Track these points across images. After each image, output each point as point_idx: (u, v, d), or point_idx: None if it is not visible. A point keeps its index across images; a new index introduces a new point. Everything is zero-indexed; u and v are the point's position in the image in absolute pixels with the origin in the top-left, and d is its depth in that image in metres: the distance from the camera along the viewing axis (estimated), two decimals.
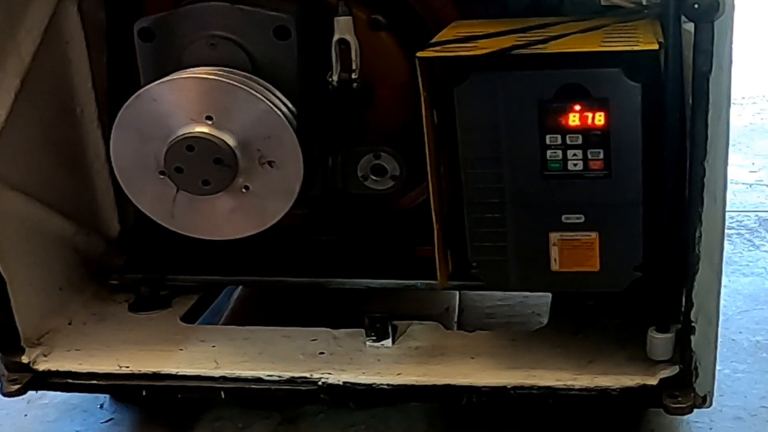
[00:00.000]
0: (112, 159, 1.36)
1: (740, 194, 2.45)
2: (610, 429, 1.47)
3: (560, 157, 1.18)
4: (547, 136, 1.18)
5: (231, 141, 1.29)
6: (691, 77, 1.12)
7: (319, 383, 1.36)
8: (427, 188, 1.26)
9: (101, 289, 1.61)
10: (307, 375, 1.37)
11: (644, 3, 1.23)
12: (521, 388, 1.31)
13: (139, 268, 1.61)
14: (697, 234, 1.18)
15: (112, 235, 1.64)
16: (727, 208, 1.20)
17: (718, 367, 1.28)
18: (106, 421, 1.59)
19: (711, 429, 1.47)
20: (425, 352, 1.41)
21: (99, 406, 1.62)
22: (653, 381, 1.28)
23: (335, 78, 1.35)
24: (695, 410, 1.28)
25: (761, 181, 2.57)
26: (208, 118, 1.28)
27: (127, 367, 1.42)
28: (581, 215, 1.21)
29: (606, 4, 1.25)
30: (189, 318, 1.57)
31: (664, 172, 1.18)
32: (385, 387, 1.35)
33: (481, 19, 1.36)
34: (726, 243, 1.27)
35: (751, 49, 3.46)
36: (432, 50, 1.20)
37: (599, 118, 1.16)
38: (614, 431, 1.47)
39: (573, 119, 1.16)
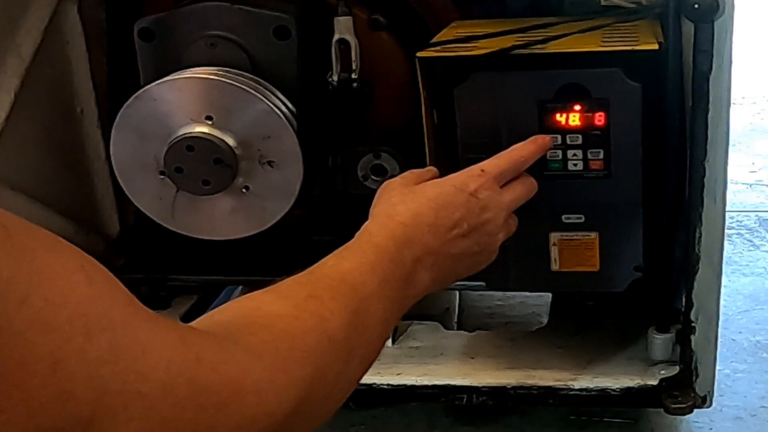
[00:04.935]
0: (112, 159, 1.36)
1: (740, 194, 2.45)
2: None
3: (560, 157, 1.18)
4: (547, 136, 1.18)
5: (231, 141, 1.29)
6: (691, 77, 1.12)
7: None
8: None
9: None
10: None
11: (644, 3, 1.23)
12: (521, 388, 1.31)
13: (139, 268, 1.61)
14: (697, 234, 1.18)
15: (112, 235, 1.64)
16: (727, 208, 1.20)
17: (718, 367, 1.28)
18: None
19: (711, 429, 1.47)
20: (425, 352, 1.41)
21: None
22: (653, 381, 1.28)
23: (335, 78, 1.35)
24: (695, 410, 1.28)
25: (761, 181, 2.57)
26: (208, 118, 1.28)
27: None
28: (581, 215, 1.21)
29: (606, 4, 1.25)
30: (189, 318, 1.56)
31: (664, 172, 1.18)
32: (385, 387, 1.35)
33: (481, 19, 1.36)
34: (726, 243, 1.27)
35: (751, 49, 3.46)
36: (432, 50, 1.20)
37: (599, 118, 1.16)
38: None
39: (573, 119, 1.16)
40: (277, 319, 0.68)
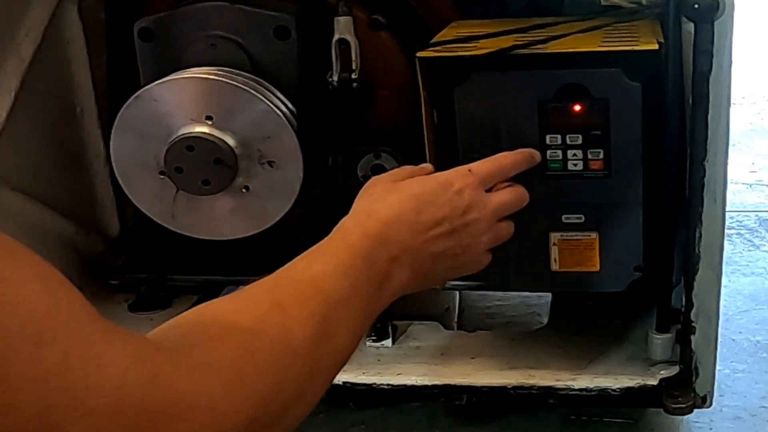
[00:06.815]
0: (112, 159, 1.36)
1: (740, 194, 2.45)
2: None
3: (560, 157, 1.18)
4: (547, 136, 1.18)
5: (231, 141, 1.29)
6: (691, 77, 1.12)
7: None
8: None
9: (101, 289, 1.61)
10: None
11: (644, 3, 1.23)
12: (521, 388, 1.31)
13: (139, 268, 1.61)
14: (697, 234, 1.18)
15: (112, 235, 1.64)
16: (727, 208, 1.20)
17: (718, 367, 1.28)
18: None
19: (711, 429, 1.47)
20: (425, 352, 1.41)
21: None
22: (653, 381, 1.28)
23: (335, 78, 1.35)
24: (695, 410, 1.28)
25: (761, 181, 2.57)
26: (208, 118, 1.28)
27: None
28: (581, 215, 1.21)
29: (606, 4, 1.25)
30: None
31: (664, 172, 1.18)
32: (385, 387, 1.35)
33: (481, 19, 1.36)
34: (726, 243, 1.27)
35: (751, 49, 3.46)
36: (432, 50, 1.20)
37: (599, 118, 1.16)
38: None
39: (573, 119, 1.16)
40: (238, 332, 0.64)
